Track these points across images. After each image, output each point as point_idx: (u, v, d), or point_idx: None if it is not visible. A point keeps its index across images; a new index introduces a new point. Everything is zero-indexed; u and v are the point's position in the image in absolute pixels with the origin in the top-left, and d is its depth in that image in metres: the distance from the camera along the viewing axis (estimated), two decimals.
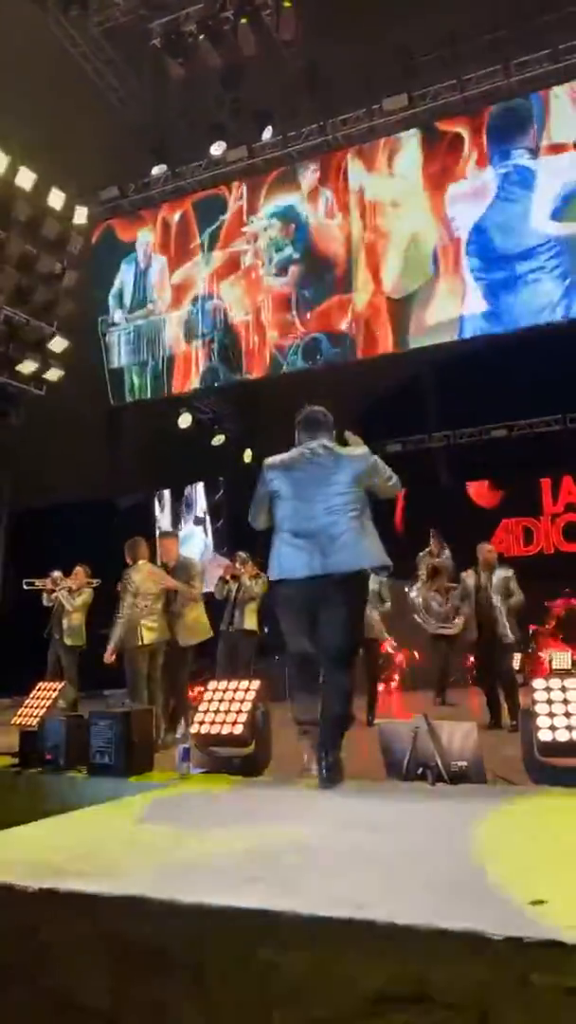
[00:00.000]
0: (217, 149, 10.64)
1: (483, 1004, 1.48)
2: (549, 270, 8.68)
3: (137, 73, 10.74)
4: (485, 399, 12.02)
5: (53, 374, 10.72)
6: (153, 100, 10.96)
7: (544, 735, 3.11)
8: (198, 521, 14.71)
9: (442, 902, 1.66)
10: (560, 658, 8.94)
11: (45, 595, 7.30)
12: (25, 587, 7.49)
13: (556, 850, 2.06)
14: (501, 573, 6.27)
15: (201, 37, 9.49)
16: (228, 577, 7.19)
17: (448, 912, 1.58)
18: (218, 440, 13.07)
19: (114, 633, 5.56)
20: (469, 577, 6.40)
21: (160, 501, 14.87)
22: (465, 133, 9.35)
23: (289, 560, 3.30)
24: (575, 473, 12.38)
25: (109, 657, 5.61)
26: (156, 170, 11.07)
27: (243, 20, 9.14)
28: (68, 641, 7.03)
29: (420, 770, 3.27)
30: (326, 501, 3.33)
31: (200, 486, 14.51)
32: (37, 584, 7.37)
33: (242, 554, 7.29)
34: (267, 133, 10.43)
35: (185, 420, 12.17)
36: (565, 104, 8.71)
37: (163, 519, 14.63)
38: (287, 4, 8.94)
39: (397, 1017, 1.53)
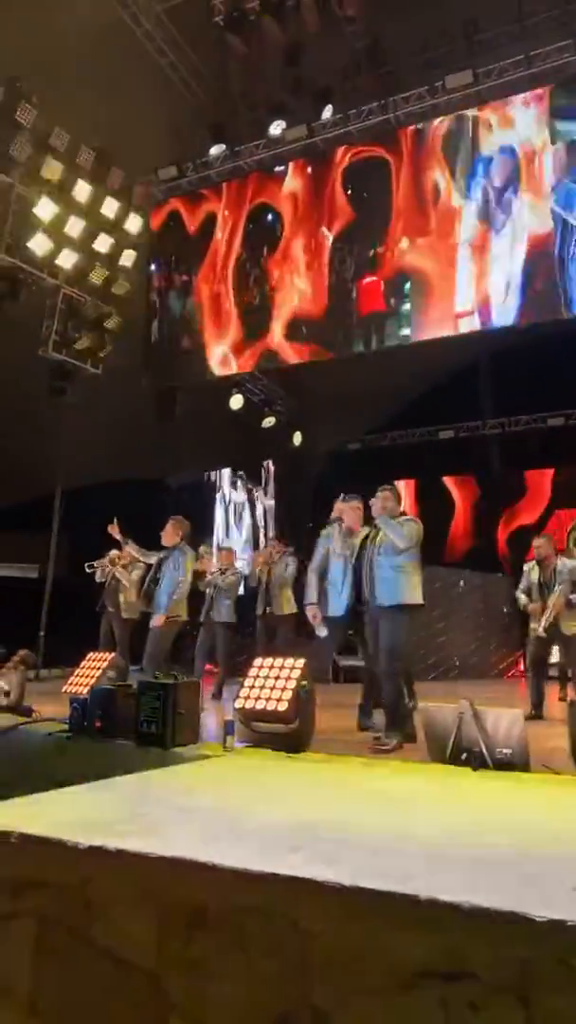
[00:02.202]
0: (276, 129, 10.57)
1: (523, 985, 1.47)
2: None
3: (198, 52, 10.72)
4: (543, 386, 11.78)
5: (109, 352, 10.88)
6: (214, 79, 10.93)
7: None
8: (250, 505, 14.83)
9: (485, 881, 1.66)
10: None
11: (99, 571, 7.51)
12: (87, 570, 7.72)
13: None
14: (570, 563, 5.98)
15: (264, 14, 9.42)
16: (261, 562, 7.28)
17: (491, 891, 1.58)
18: (268, 422, 13.10)
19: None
20: (532, 571, 6.20)
21: (216, 481, 15.01)
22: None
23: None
24: None
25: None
26: (215, 150, 11.04)
27: None
28: (125, 614, 7.23)
29: (464, 755, 3.26)
30: None
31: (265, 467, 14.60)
32: (96, 565, 7.61)
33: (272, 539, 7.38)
34: (327, 112, 10.30)
35: (236, 401, 12.22)
36: None
37: (230, 496, 14.78)
38: None
39: (435, 992, 1.54)
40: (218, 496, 14.90)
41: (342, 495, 5.32)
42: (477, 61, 9.37)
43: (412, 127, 9.75)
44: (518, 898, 1.54)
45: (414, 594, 4.30)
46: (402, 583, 4.27)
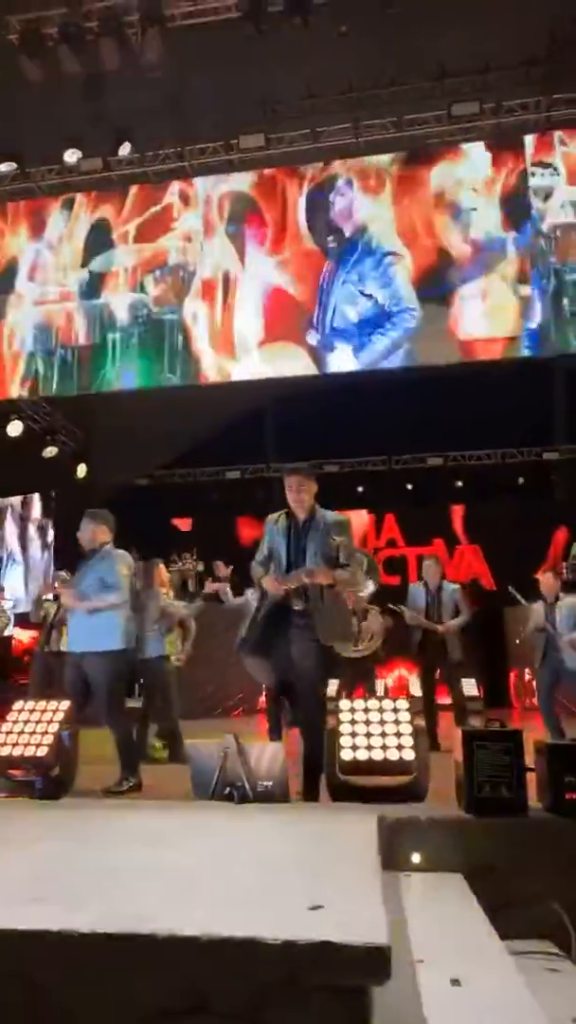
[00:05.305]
0: (71, 157, 10.43)
1: (256, 1011, 1.52)
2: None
3: None
4: (321, 435, 12.58)
5: None
6: (6, 96, 10.52)
7: (345, 754, 3.27)
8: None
9: (226, 912, 1.69)
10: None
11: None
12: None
13: (341, 859, 2.16)
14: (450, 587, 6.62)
15: (62, 42, 9.29)
16: (49, 598, 6.94)
17: (230, 921, 1.61)
18: (50, 452, 12.58)
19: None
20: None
21: None
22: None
23: None
24: (398, 511, 13.21)
25: None
26: (4, 167, 10.63)
27: (106, 35, 9.05)
28: None
29: (227, 790, 3.31)
30: None
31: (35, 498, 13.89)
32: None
33: (63, 574, 7.04)
34: (124, 149, 10.37)
35: (15, 428, 11.61)
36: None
37: (6, 528, 13.85)
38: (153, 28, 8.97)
39: None
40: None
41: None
42: (271, 127, 9.99)
43: (202, 179, 10.21)
44: (256, 924, 1.59)
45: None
46: (97, 625, 4.16)
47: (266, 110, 10.12)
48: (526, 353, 8.89)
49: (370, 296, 9.30)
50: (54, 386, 10.14)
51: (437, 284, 9.15)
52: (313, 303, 9.47)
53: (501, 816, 2.81)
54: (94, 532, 4.36)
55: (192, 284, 9.89)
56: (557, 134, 9.10)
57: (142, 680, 6.26)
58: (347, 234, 9.62)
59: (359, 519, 13.02)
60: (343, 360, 9.30)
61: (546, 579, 6.19)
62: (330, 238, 9.65)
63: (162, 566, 6.32)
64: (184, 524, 13.86)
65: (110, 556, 4.28)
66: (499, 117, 9.19)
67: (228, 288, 9.81)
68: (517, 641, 7.28)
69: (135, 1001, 1.55)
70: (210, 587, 5.83)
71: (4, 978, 1.58)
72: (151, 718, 6.08)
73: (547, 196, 9.01)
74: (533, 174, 9.07)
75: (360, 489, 13.39)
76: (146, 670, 6.04)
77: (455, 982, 1.80)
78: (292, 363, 9.47)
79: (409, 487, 13.40)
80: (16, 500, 13.98)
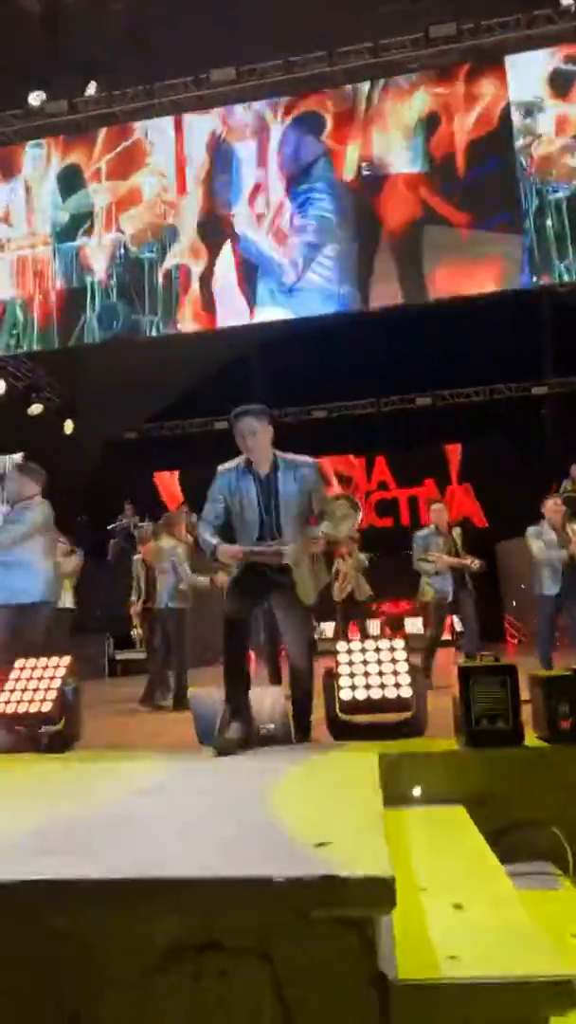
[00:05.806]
0: (36, 100, 10.02)
1: (266, 944, 1.57)
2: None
3: None
4: (308, 381, 12.45)
5: None
6: None
7: (345, 694, 3.32)
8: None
9: (234, 854, 1.74)
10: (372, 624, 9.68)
11: None
12: None
13: (344, 796, 2.22)
14: None
15: None
16: None
17: (238, 862, 1.66)
18: (35, 409, 12.41)
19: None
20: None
21: None
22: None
23: None
24: (388, 453, 13.18)
25: None
26: None
27: None
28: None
29: None
30: None
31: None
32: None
33: None
34: (91, 88, 9.97)
35: None
36: None
37: None
38: None
39: (186, 967, 1.59)
40: None
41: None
42: (241, 59, 9.58)
43: (175, 117, 9.86)
44: (263, 863, 1.63)
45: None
46: (11, 578, 4.19)
47: (235, 41, 9.69)
48: (511, 284, 8.74)
49: (339, 236, 9.10)
50: (35, 338, 9.95)
51: (417, 219, 8.94)
52: (289, 248, 9.26)
53: (498, 747, 2.89)
54: (20, 485, 4.42)
55: (169, 224, 9.64)
56: (539, 51, 8.77)
57: (157, 630, 6.29)
58: (314, 171, 9.35)
59: (350, 466, 13.01)
60: (319, 304, 9.15)
61: (556, 505, 5.91)
62: (301, 175, 9.38)
63: (183, 519, 6.35)
64: (171, 484, 13.81)
65: (27, 507, 4.35)
66: (478, 38, 8.84)
67: (207, 232, 9.55)
68: (522, 586, 7.32)
69: (149, 940, 1.60)
70: (219, 581, 5.85)
71: (24, 925, 1.63)
72: (168, 666, 6.13)
73: (528, 113, 8.74)
74: (514, 93, 8.78)
75: (350, 432, 13.34)
76: (159, 619, 6.11)
77: (458, 907, 1.87)
78: (272, 309, 9.31)
79: (398, 428, 13.35)
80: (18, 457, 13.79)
